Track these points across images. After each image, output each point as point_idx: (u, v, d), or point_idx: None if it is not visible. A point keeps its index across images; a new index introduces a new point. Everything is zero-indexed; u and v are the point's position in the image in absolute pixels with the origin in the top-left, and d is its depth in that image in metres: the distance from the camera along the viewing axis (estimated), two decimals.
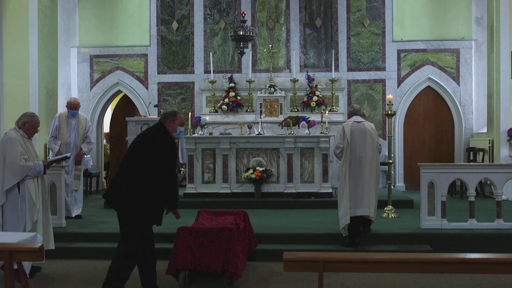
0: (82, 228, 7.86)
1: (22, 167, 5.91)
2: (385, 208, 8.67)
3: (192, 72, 13.28)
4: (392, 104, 8.77)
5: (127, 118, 10.63)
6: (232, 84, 12.74)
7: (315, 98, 12.44)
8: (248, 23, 12.43)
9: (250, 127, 10.63)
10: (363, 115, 7.63)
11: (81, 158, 8.68)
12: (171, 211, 5.60)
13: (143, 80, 13.37)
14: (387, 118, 8.75)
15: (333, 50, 12.88)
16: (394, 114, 8.69)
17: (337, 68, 12.84)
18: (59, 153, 8.48)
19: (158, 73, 13.34)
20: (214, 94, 12.75)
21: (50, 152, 8.73)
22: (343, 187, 7.09)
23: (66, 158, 6.78)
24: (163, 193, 5.34)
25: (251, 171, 9.89)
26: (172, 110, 5.70)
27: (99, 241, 7.38)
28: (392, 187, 9.49)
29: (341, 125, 7.48)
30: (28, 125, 6.08)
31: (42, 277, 6.11)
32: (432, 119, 12.97)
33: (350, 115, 7.53)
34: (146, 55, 13.35)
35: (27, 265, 5.64)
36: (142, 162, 5.22)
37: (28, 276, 5.19)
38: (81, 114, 8.89)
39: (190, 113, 11.12)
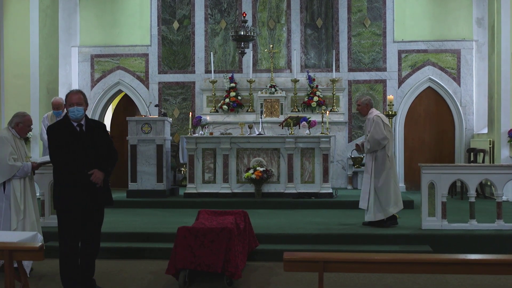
0: None
1: (10, 166, 5.93)
2: None
3: (193, 72, 13.28)
4: (393, 105, 8.78)
5: (127, 118, 10.64)
6: (232, 84, 12.75)
7: (315, 98, 12.45)
8: (249, 23, 12.44)
9: (250, 127, 10.63)
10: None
11: None
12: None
13: (144, 80, 13.38)
14: (388, 119, 8.75)
15: (334, 51, 12.88)
16: (394, 114, 8.70)
17: (337, 69, 12.85)
18: None
19: (159, 72, 13.35)
20: (214, 94, 12.76)
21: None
22: (391, 176, 7.68)
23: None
24: (57, 179, 5.22)
25: (251, 171, 9.89)
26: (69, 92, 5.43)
27: None
28: None
29: (377, 117, 7.74)
30: (21, 125, 6.10)
31: (41, 276, 6.11)
32: (433, 120, 12.97)
33: (370, 106, 7.93)
34: (147, 54, 13.36)
35: (27, 265, 5.64)
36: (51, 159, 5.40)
37: (28, 275, 5.19)
38: None
39: (190, 113, 11.13)
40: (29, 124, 6.19)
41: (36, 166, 6.24)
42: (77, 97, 5.28)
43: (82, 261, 5.33)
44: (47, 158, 6.91)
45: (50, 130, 5.32)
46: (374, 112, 7.87)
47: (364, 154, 7.89)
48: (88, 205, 5.24)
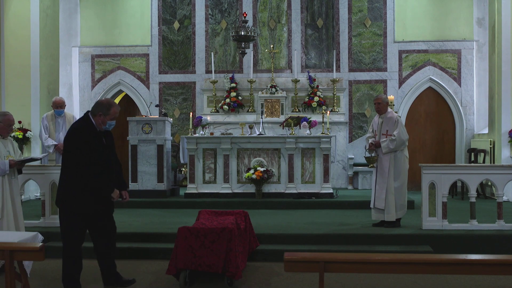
0: None
1: None
2: None
3: (194, 72, 13.29)
4: (393, 105, 8.79)
5: (128, 118, 10.63)
6: (233, 84, 12.75)
7: (316, 98, 12.45)
8: (250, 23, 12.45)
9: (251, 127, 10.64)
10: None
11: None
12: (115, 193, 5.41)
13: (145, 80, 13.38)
14: None
15: (335, 51, 12.88)
16: None
17: (338, 69, 12.85)
18: (60, 149, 8.59)
19: (160, 73, 13.35)
20: (215, 94, 12.76)
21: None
22: (407, 177, 7.79)
23: (35, 159, 6.73)
24: (80, 183, 5.19)
25: (252, 171, 9.89)
26: (107, 101, 5.38)
27: None
28: None
29: (399, 118, 7.83)
30: (1, 124, 5.99)
31: (42, 276, 6.11)
32: (433, 120, 12.98)
33: (388, 104, 7.92)
34: (148, 55, 13.37)
35: (27, 265, 5.64)
36: (63, 156, 5.34)
37: (28, 276, 5.20)
38: (68, 113, 8.96)
39: (191, 113, 11.12)
40: (9, 123, 6.04)
41: (14, 164, 6.02)
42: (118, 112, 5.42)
43: (108, 259, 5.53)
44: (30, 156, 6.90)
45: (80, 132, 5.23)
46: (392, 111, 7.89)
47: (373, 154, 7.78)
48: (99, 211, 5.40)
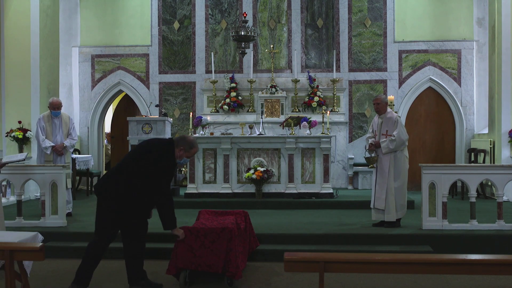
0: (82, 227, 7.86)
1: None
2: None
3: (194, 72, 13.29)
4: (393, 105, 8.78)
5: (128, 118, 10.64)
6: (233, 84, 12.76)
7: (316, 98, 12.45)
8: (250, 23, 12.44)
9: (251, 127, 10.63)
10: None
11: (61, 149, 8.66)
12: (170, 231, 5.61)
13: (145, 80, 13.38)
14: None
15: (335, 51, 12.88)
16: None
17: (338, 69, 12.84)
18: (58, 150, 8.56)
19: (160, 73, 13.35)
20: (215, 94, 12.76)
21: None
22: (407, 177, 7.78)
23: (19, 160, 6.74)
24: (150, 204, 5.56)
25: (252, 171, 9.89)
26: (191, 141, 5.52)
27: None
28: None
29: (399, 118, 7.83)
30: None
31: (42, 276, 6.11)
32: (433, 120, 12.98)
33: (387, 104, 7.89)
34: (148, 55, 13.37)
35: (27, 265, 5.63)
36: (140, 174, 5.36)
37: (28, 276, 5.19)
38: (64, 113, 8.89)
39: (191, 113, 11.12)
40: None
41: None
42: None
43: (139, 260, 5.60)
44: (12, 157, 6.88)
45: (172, 163, 5.48)
46: (391, 111, 7.88)
47: (372, 154, 7.76)
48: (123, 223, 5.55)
